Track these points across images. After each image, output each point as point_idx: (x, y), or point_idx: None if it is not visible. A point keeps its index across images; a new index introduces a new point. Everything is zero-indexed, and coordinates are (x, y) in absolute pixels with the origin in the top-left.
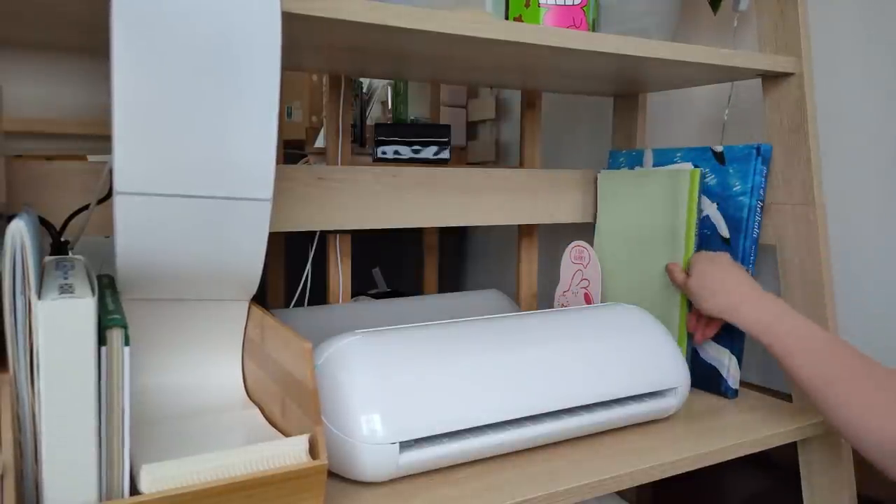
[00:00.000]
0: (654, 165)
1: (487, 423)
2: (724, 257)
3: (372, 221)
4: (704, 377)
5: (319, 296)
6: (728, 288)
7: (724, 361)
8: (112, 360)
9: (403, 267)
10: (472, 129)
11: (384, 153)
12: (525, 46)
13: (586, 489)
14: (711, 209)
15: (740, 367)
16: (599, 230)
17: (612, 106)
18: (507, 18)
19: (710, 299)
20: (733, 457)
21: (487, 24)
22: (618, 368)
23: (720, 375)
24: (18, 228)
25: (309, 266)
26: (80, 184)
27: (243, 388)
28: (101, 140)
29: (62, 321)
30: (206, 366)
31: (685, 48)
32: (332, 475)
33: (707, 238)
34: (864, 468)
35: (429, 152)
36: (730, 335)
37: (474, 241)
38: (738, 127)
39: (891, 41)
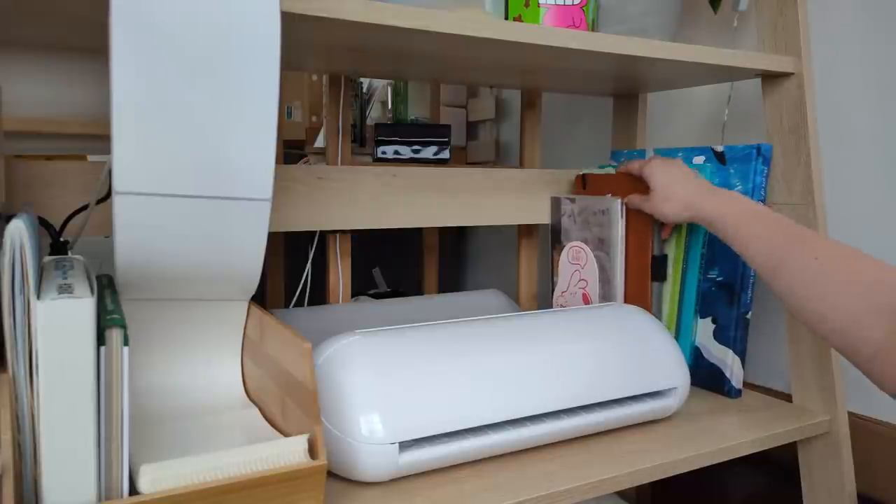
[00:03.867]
0: None
1: (487, 423)
2: (675, 164)
3: (372, 221)
4: (708, 377)
5: (319, 296)
6: (681, 190)
7: (727, 361)
8: (111, 360)
9: (403, 267)
10: (471, 129)
11: (384, 153)
12: (524, 46)
13: (586, 489)
14: None
15: (743, 367)
16: None
17: (612, 106)
18: (506, 18)
19: (667, 206)
20: (733, 457)
21: (487, 24)
22: (617, 368)
23: (723, 375)
24: (17, 228)
25: (309, 266)
26: (79, 184)
27: (243, 388)
28: (101, 140)
29: (61, 321)
30: (206, 366)
31: (684, 48)
32: (332, 475)
33: (709, 238)
34: (865, 468)
35: (429, 152)
36: (733, 335)
37: (474, 241)
38: (738, 127)
39: (890, 41)
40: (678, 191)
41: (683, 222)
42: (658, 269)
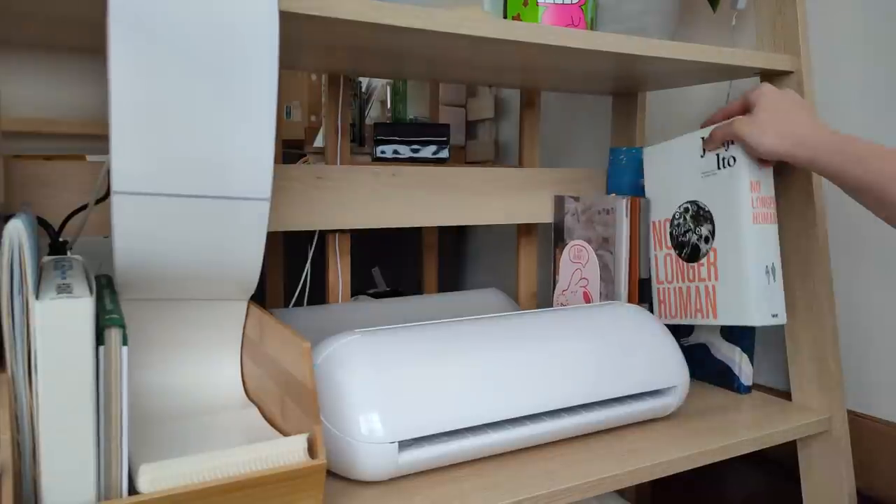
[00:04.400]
0: None
1: (487, 422)
2: (789, 94)
3: (371, 221)
4: (717, 374)
5: (319, 295)
6: (793, 125)
7: (735, 359)
8: (110, 359)
9: (403, 266)
10: (471, 128)
11: (383, 152)
12: (523, 45)
13: (586, 488)
14: None
15: (752, 365)
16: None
17: (611, 104)
18: (505, 17)
19: (765, 138)
20: (732, 455)
21: (485, 23)
22: (617, 367)
23: (732, 372)
24: (16, 228)
25: (308, 266)
26: (78, 184)
27: (242, 388)
28: (100, 140)
29: (60, 321)
30: (205, 365)
31: (683, 47)
32: (332, 474)
33: None
34: (864, 467)
35: (428, 152)
36: (740, 332)
37: (474, 241)
38: None
39: (889, 39)
40: (789, 125)
41: (777, 159)
42: (644, 292)
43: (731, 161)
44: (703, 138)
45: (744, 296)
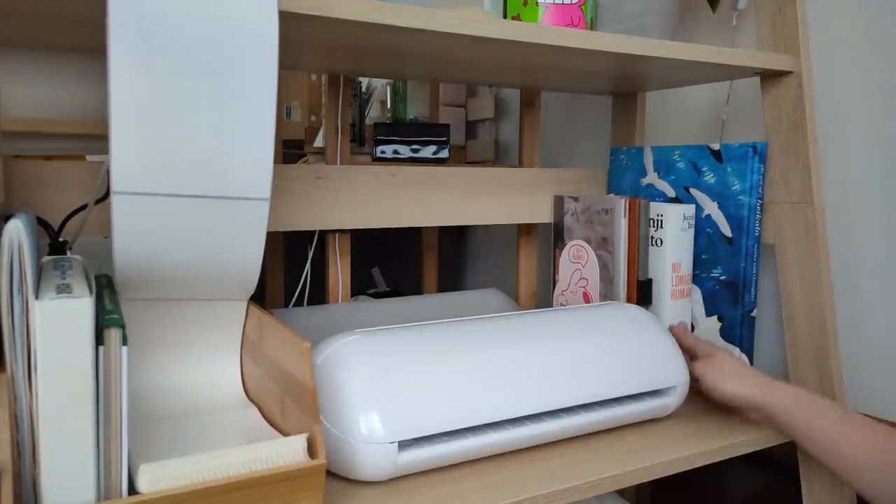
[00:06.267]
0: (654, 163)
1: (486, 422)
2: (723, 362)
3: (371, 221)
4: None
5: (319, 295)
6: (746, 372)
7: None
8: (110, 359)
9: (403, 266)
10: (471, 128)
11: (383, 152)
12: (523, 45)
13: (586, 488)
14: (713, 208)
15: (752, 365)
16: None
17: (611, 104)
18: (505, 17)
19: (727, 381)
20: (732, 455)
21: (485, 23)
22: (616, 367)
23: None
24: (16, 228)
25: (308, 266)
26: (78, 184)
27: (242, 388)
28: (100, 140)
29: (60, 321)
30: (205, 365)
31: (683, 47)
32: (331, 474)
33: (710, 237)
34: None
35: (428, 152)
36: (739, 333)
37: (474, 241)
38: (738, 125)
39: (889, 39)
40: (735, 388)
41: (735, 404)
42: (644, 293)
43: (659, 242)
44: None
45: None
